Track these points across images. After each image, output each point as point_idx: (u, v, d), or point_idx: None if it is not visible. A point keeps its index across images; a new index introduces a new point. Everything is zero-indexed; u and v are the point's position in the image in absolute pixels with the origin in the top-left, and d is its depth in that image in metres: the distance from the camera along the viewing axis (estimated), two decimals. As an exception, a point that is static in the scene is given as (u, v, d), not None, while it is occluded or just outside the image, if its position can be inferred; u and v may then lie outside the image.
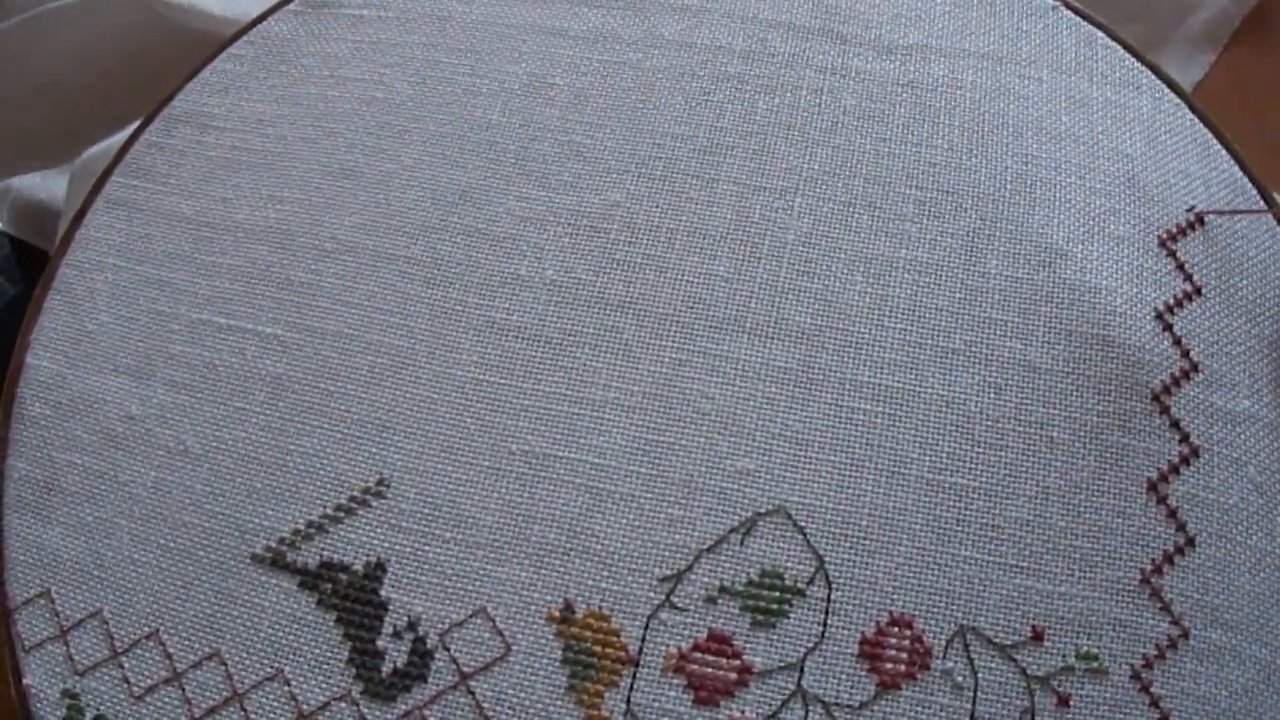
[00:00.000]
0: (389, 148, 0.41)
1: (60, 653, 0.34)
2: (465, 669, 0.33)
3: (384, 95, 0.43)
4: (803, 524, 0.34)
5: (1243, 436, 0.35)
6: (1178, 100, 0.41)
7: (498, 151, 0.41)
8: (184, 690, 0.33)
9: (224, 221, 0.40)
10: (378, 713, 0.32)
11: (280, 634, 0.34)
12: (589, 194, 0.39)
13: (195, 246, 0.40)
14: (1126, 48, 0.42)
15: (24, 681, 0.34)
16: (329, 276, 0.39)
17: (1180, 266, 0.37)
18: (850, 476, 0.34)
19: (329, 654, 0.33)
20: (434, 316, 0.38)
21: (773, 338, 0.37)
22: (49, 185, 0.55)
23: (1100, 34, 0.42)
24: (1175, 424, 0.35)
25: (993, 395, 0.35)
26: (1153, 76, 0.41)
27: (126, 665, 0.34)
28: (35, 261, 0.56)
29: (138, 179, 0.42)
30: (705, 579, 0.33)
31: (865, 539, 0.34)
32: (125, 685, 0.33)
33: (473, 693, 0.32)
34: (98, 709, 0.33)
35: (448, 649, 0.33)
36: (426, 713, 0.32)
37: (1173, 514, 0.34)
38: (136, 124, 0.44)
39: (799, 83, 0.41)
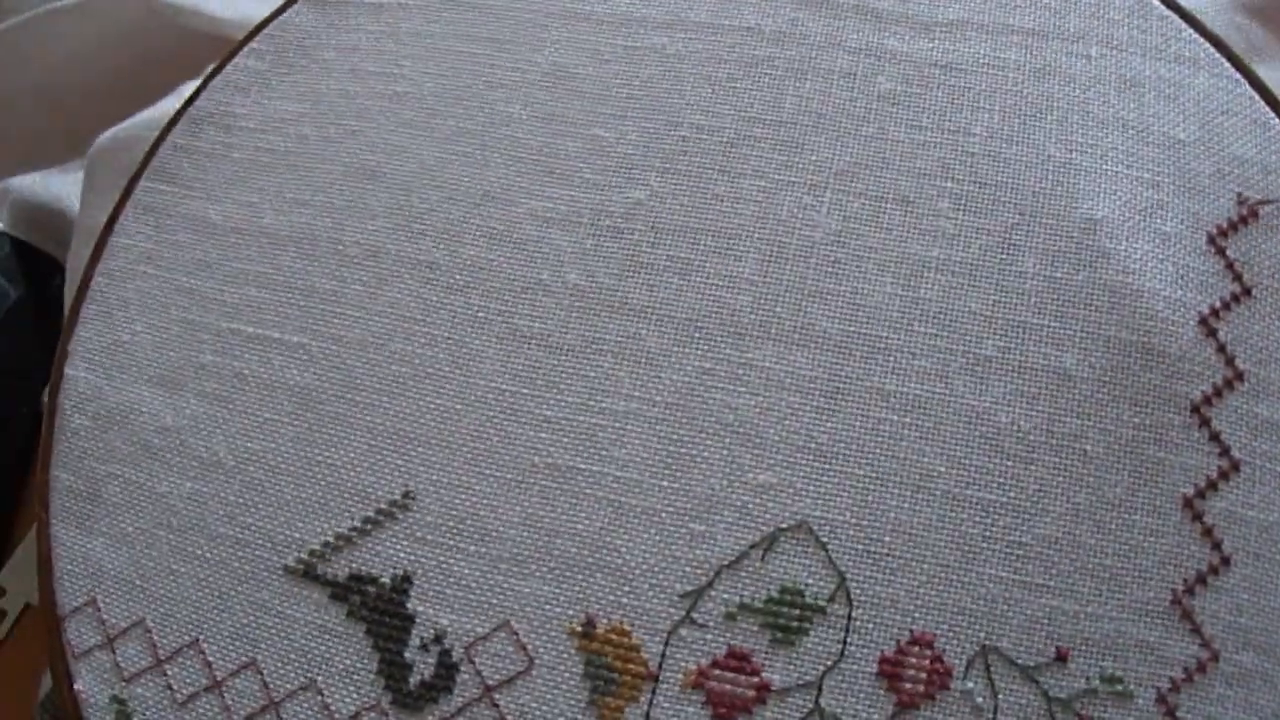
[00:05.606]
0: (410, 146, 0.41)
1: (108, 660, 0.35)
2: (490, 682, 0.33)
3: (404, 89, 0.42)
4: (825, 540, 0.34)
5: (1288, 449, 0.33)
6: (1238, 77, 0.38)
7: (519, 149, 0.40)
8: (224, 698, 0.34)
9: (250, 227, 0.41)
10: (407, 723, 0.34)
11: (313, 645, 0.35)
12: (612, 192, 0.39)
13: (222, 254, 0.40)
14: (1184, 16, 0.39)
15: (75, 687, 0.35)
16: (352, 283, 0.39)
17: (1230, 266, 0.35)
18: (874, 491, 0.34)
19: (359, 665, 0.34)
20: (456, 324, 0.38)
21: (798, 345, 0.36)
22: (49, 185, 0.55)
23: (1155, 1, 0.40)
24: (1215, 437, 0.33)
25: (1024, 406, 0.34)
26: (1212, 50, 0.39)
27: (170, 673, 0.35)
28: (35, 262, 0.56)
29: (165, 183, 0.42)
30: (726, 595, 0.33)
31: (888, 556, 0.33)
32: (169, 692, 0.35)
33: (497, 705, 0.33)
34: (144, 714, 0.35)
35: (473, 662, 0.34)
36: (453, 724, 0.33)
37: (1208, 532, 0.33)
38: (151, 109, 0.43)
39: (831, 66, 0.40)
